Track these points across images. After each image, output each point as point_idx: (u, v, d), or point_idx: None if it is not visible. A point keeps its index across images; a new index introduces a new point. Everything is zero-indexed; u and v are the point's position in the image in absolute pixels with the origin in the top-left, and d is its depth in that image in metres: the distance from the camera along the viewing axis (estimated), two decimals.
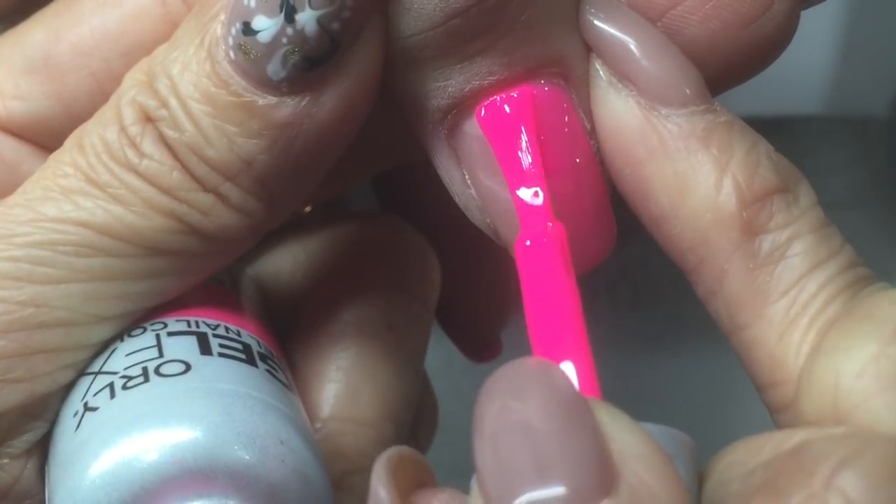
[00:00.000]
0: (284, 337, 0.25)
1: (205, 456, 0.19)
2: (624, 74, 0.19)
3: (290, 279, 0.27)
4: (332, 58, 0.19)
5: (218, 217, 0.20)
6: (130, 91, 0.20)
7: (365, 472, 0.24)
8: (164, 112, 0.20)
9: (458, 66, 0.19)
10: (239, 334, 0.22)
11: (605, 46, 0.20)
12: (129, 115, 0.20)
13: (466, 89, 0.19)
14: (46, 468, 0.21)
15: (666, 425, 0.19)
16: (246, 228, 0.20)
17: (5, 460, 0.21)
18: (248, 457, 0.19)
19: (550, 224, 0.19)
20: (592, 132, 0.20)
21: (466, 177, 0.20)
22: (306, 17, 0.18)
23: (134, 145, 0.20)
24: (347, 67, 0.19)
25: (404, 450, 0.18)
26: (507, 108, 0.19)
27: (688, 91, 0.19)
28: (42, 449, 0.21)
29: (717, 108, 0.19)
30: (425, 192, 0.28)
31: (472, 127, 0.20)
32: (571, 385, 0.16)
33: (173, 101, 0.19)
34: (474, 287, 0.31)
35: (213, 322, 0.22)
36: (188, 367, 0.20)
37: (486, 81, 0.19)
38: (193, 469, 0.19)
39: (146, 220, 0.20)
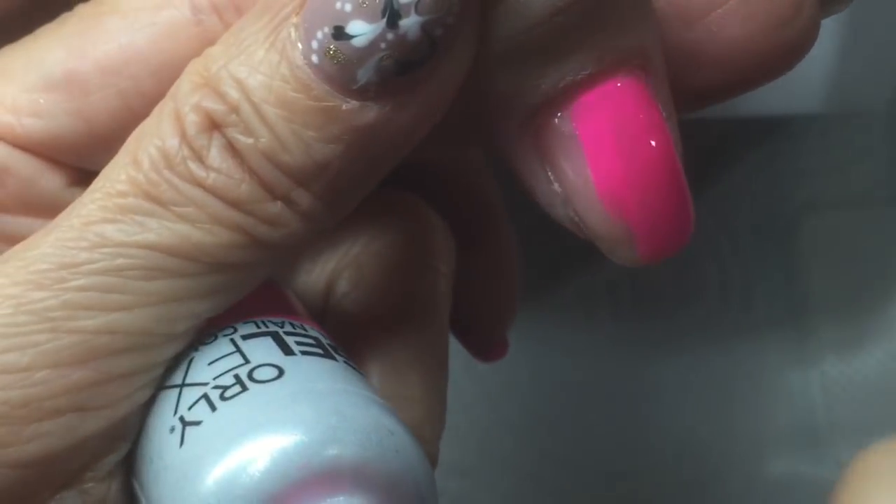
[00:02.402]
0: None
1: (328, 457, 0.19)
2: None
3: (313, 263, 0.26)
4: (427, 63, 0.19)
5: (284, 226, 0.20)
6: (193, 96, 0.20)
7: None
8: (234, 117, 0.19)
9: (554, 63, 0.19)
10: (305, 329, 0.22)
11: None
12: (194, 123, 0.19)
13: (560, 85, 0.19)
14: (139, 487, 0.21)
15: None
16: (309, 234, 0.20)
17: (90, 484, 0.21)
18: (368, 453, 0.19)
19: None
20: (668, 118, 0.20)
21: (550, 174, 0.20)
22: (411, 23, 0.18)
23: (199, 158, 0.19)
24: (438, 73, 0.19)
25: None
26: (596, 101, 0.20)
27: None
28: (123, 468, 0.21)
29: None
30: (431, 191, 0.28)
31: (563, 122, 0.20)
32: None
33: (246, 106, 0.19)
34: (481, 287, 0.31)
35: (277, 320, 0.22)
36: (281, 371, 0.20)
37: (579, 76, 0.19)
38: (318, 472, 0.19)
39: (213, 236, 0.20)
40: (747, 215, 0.46)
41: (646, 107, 0.20)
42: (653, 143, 0.20)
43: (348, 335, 0.25)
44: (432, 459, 0.25)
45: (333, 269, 0.26)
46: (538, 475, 0.46)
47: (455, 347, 0.33)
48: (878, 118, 0.50)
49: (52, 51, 0.22)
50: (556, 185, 0.20)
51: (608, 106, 0.20)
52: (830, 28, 0.49)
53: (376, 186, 0.24)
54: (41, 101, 0.22)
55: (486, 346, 0.33)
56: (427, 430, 0.25)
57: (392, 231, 0.27)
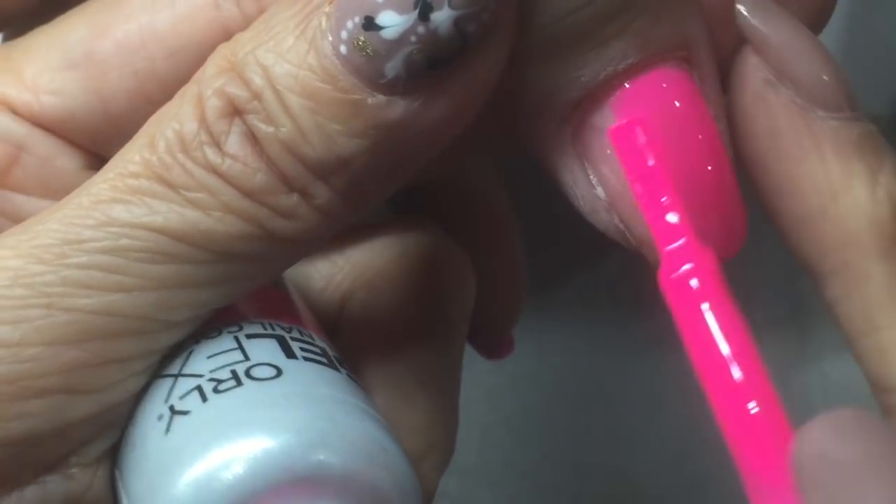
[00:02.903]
0: None
1: (313, 463, 0.19)
2: (784, 74, 0.19)
3: (327, 283, 0.26)
4: (457, 60, 0.18)
5: (299, 219, 0.19)
6: (217, 80, 0.19)
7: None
8: (257, 104, 0.19)
9: (593, 51, 0.19)
10: (312, 338, 0.22)
11: (766, 45, 0.20)
12: (215, 108, 0.19)
13: (601, 76, 0.19)
14: (119, 475, 0.21)
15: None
16: (323, 230, 0.20)
17: (75, 469, 0.20)
18: (355, 464, 0.19)
19: (688, 265, 0.18)
20: (717, 118, 0.20)
21: (592, 177, 0.20)
22: (443, 17, 0.18)
23: (216, 143, 0.19)
24: (469, 70, 0.18)
25: None
26: (640, 95, 0.19)
27: (844, 98, 0.19)
28: (110, 457, 0.21)
29: (863, 116, 0.20)
30: (436, 192, 0.28)
31: (604, 119, 0.19)
32: None
33: (269, 94, 0.19)
34: (487, 286, 0.31)
35: (286, 325, 0.22)
36: (279, 372, 0.20)
37: (620, 66, 0.19)
38: (301, 476, 0.19)
39: (224, 225, 0.19)
40: (747, 215, 0.45)
41: (694, 102, 0.19)
42: (702, 141, 0.19)
43: (357, 356, 0.24)
44: (428, 493, 0.24)
45: (348, 289, 0.26)
46: (538, 475, 0.46)
47: None
48: (878, 120, 0.50)
49: (75, 29, 0.22)
50: (599, 190, 0.20)
51: (653, 100, 0.19)
52: (831, 30, 0.49)
53: (398, 190, 0.23)
54: (60, 79, 0.22)
55: (492, 345, 0.33)
56: (427, 463, 0.24)
57: (410, 258, 0.26)
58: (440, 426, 0.25)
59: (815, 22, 0.21)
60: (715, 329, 0.18)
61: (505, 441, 0.46)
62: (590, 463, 0.48)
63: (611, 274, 0.46)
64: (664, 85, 0.19)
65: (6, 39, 0.26)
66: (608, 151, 0.19)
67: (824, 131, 0.19)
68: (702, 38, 0.20)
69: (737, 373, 0.18)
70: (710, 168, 0.19)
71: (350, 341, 0.25)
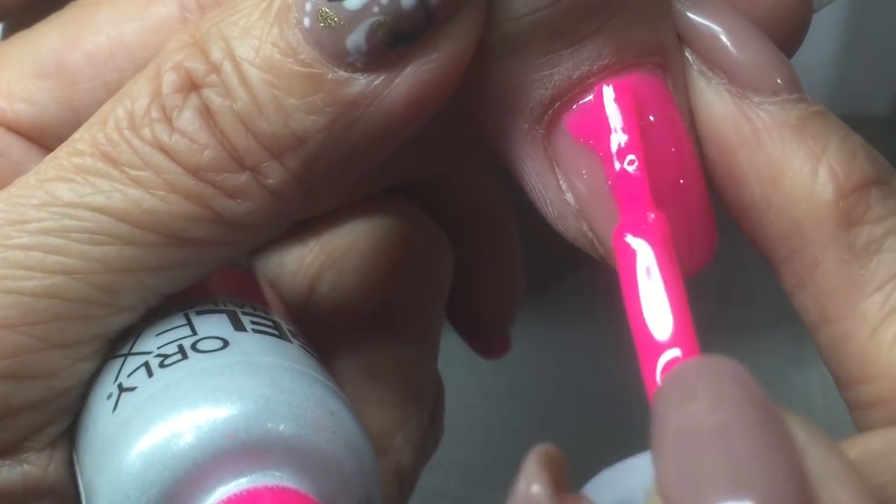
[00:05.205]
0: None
1: (257, 429, 0.19)
2: (714, 63, 0.19)
3: (298, 266, 0.26)
4: (420, 35, 0.18)
5: (248, 199, 0.19)
6: (177, 55, 0.19)
7: (387, 453, 0.24)
8: (214, 78, 0.19)
9: (568, 50, 0.18)
10: (267, 313, 0.22)
11: (694, 35, 0.19)
12: (171, 83, 0.19)
13: (575, 76, 0.18)
14: (76, 457, 0.21)
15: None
16: (274, 214, 0.19)
17: (29, 454, 0.20)
18: (301, 429, 0.19)
19: (652, 215, 0.18)
20: (691, 125, 0.19)
21: (562, 182, 0.19)
22: None
23: (167, 119, 0.19)
24: (433, 48, 0.18)
25: (552, 448, 0.17)
26: (613, 98, 0.19)
27: (779, 79, 0.19)
28: (67, 440, 0.21)
29: (808, 97, 0.19)
30: (432, 191, 0.28)
31: (576, 122, 0.19)
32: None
33: (228, 66, 0.18)
34: (483, 284, 0.31)
35: (239, 301, 0.22)
36: (226, 343, 0.20)
37: (595, 66, 0.18)
38: (246, 443, 0.19)
39: (167, 204, 0.19)
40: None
41: (669, 109, 0.19)
42: (674, 149, 0.19)
43: (327, 335, 0.24)
44: (403, 468, 0.24)
45: (317, 270, 0.26)
46: None
47: (456, 347, 0.33)
48: (879, 121, 0.50)
49: (48, 38, 0.22)
50: (568, 196, 0.19)
51: (628, 104, 0.19)
52: (831, 30, 0.49)
53: (372, 188, 0.23)
54: (32, 88, 0.22)
55: (489, 344, 0.33)
56: (399, 437, 0.24)
57: (380, 236, 0.26)
58: (412, 400, 0.25)
59: (788, 44, 0.20)
60: (658, 291, 0.18)
61: (505, 441, 0.46)
62: (590, 463, 0.48)
63: (611, 274, 0.46)
64: (642, 90, 0.19)
65: (6, 31, 0.26)
66: (583, 154, 0.19)
67: (760, 116, 0.19)
68: (675, 45, 0.19)
69: (667, 332, 0.18)
70: (682, 181, 0.19)
71: (320, 319, 0.25)
